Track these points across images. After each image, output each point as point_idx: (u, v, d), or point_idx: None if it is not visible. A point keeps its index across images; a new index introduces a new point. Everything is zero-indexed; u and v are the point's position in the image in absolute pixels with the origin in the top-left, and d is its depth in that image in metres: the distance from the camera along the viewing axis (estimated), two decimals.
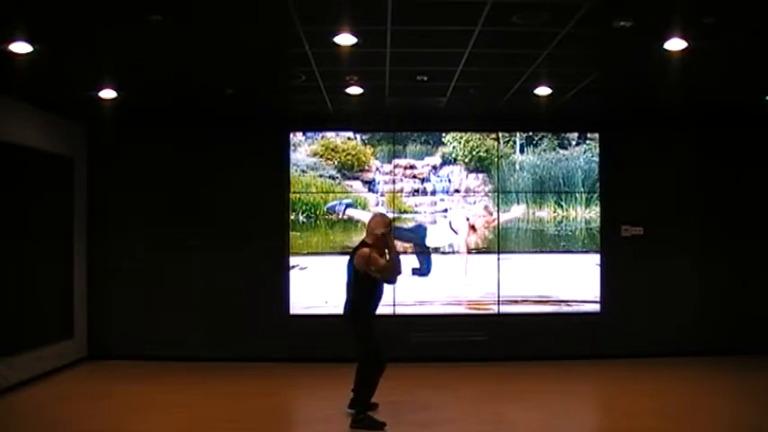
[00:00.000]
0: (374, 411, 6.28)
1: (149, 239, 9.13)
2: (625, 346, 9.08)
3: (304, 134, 9.27)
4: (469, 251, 9.29)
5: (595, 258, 9.28)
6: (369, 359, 6.14)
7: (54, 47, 5.89)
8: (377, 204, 9.25)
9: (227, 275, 9.10)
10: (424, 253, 9.23)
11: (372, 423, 6.01)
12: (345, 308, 6.35)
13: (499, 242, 9.27)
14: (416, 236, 9.26)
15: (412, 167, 9.33)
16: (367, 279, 6.14)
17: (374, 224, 6.33)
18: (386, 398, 6.51)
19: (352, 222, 9.22)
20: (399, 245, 6.75)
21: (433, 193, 9.32)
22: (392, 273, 6.22)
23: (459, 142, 9.33)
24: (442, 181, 9.33)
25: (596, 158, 9.33)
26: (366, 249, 6.14)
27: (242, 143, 9.21)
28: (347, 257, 6.46)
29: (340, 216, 9.20)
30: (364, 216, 9.11)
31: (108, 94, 7.53)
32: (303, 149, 9.26)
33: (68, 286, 8.70)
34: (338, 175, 9.25)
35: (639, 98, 8.20)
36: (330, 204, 9.21)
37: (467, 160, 9.32)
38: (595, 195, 9.32)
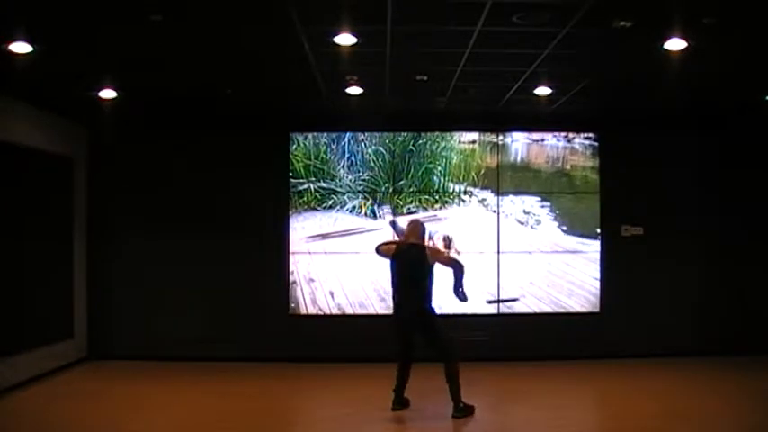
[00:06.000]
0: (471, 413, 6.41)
1: (149, 239, 9.13)
2: (625, 346, 9.08)
3: (304, 134, 9.27)
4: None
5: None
6: (452, 351, 6.31)
7: (54, 47, 5.89)
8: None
9: (227, 275, 9.09)
10: None
11: (468, 410, 6.35)
12: (414, 307, 6.39)
13: (499, 242, 9.26)
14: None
15: None
16: (430, 276, 6.40)
17: (411, 226, 6.65)
18: (385, 398, 6.52)
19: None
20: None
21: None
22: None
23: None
24: None
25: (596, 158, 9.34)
26: (432, 245, 6.61)
27: (242, 143, 9.20)
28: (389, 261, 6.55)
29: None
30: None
31: (108, 94, 7.54)
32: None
33: (68, 286, 8.70)
34: None
35: (639, 98, 8.20)
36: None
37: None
38: (595, 195, 9.32)
